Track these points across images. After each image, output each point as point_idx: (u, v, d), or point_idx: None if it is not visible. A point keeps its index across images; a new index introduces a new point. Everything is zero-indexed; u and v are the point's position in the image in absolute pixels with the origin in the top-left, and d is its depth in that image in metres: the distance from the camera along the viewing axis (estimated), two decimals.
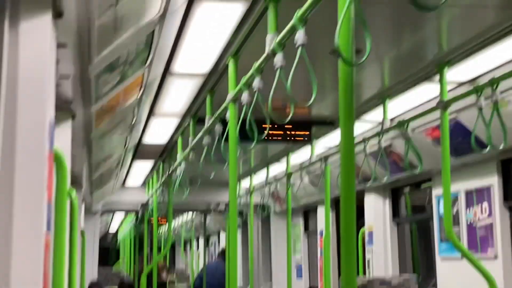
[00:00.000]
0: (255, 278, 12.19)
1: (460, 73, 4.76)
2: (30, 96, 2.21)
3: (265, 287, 12.85)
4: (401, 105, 5.68)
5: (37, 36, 2.28)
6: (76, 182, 7.00)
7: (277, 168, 9.45)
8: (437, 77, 4.62)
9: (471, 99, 4.46)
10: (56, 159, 2.54)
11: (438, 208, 6.72)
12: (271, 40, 3.22)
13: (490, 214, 5.89)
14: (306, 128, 6.35)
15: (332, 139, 7.24)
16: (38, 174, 2.18)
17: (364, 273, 8.26)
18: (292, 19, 2.84)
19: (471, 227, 6.14)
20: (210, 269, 12.26)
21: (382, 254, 8.18)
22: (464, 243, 6.10)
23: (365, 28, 2.17)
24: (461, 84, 4.99)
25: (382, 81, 5.25)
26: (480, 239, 6.00)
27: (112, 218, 20.49)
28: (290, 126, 6.26)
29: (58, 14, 2.43)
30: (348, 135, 2.33)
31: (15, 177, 2.14)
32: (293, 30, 2.90)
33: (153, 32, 3.47)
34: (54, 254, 2.68)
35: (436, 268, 6.84)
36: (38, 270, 2.20)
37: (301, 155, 8.26)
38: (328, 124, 6.58)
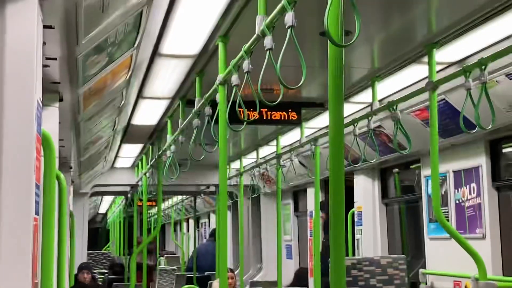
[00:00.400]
0: (245, 259, 12.23)
1: (448, 54, 4.76)
2: (17, 77, 2.19)
3: (255, 268, 12.90)
4: (390, 86, 5.68)
5: (23, 17, 2.26)
6: (64, 164, 6.98)
7: (267, 150, 9.46)
8: (426, 58, 4.63)
9: (460, 80, 4.47)
10: (44, 141, 2.53)
11: (426, 189, 6.75)
12: (260, 22, 3.21)
13: (478, 194, 5.92)
14: (296, 110, 6.34)
15: (322, 121, 7.25)
16: (26, 156, 2.17)
17: (354, 253, 8.31)
18: (282, 0, 2.84)
19: (459, 207, 6.16)
20: (201, 250, 12.30)
21: (371, 234, 8.22)
22: (452, 223, 6.13)
23: (354, 9, 2.17)
24: (450, 65, 4.99)
25: (371, 63, 5.25)
26: (468, 219, 6.03)
27: (101, 199, 20.48)
28: (280, 108, 6.26)
29: None
30: (337, 117, 2.33)
31: (2, 159, 2.13)
32: (282, 11, 2.89)
33: (141, 13, 3.45)
34: (43, 237, 2.67)
35: (425, 248, 6.88)
36: (26, 254, 2.19)
37: (291, 137, 8.27)
38: (317, 105, 6.58)
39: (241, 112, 3.57)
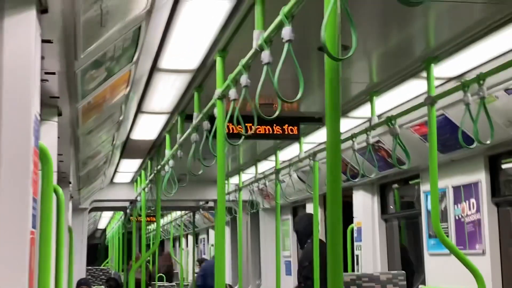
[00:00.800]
0: (244, 275, 12.18)
1: (447, 69, 4.77)
2: (15, 91, 2.19)
3: (254, 285, 12.85)
4: (389, 101, 5.68)
5: (22, 31, 2.26)
6: (63, 179, 6.97)
7: (266, 165, 9.46)
8: (425, 73, 4.63)
9: (459, 95, 4.47)
10: (41, 155, 2.53)
11: (426, 204, 6.74)
12: (258, 36, 3.22)
13: (478, 210, 5.91)
14: (294, 125, 6.34)
15: (320, 136, 7.25)
16: (23, 169, 2.17)
17: (353, 269, 8.28)
18: (279, 15, 2.84)
19: (459, 223, 6.15)
20: (208, 270, 12.16)
21: (370, 250, 8.20)
22: (452, 239, 6.11)
23: (350, 22, 2.17)
24: (448, 80, 5.00)
25: (370, 77, 5.26)
26: (468, 235, 6.02)
27: (100, 215, 20.43)
28: (278, 123, 6.26)
29: (43, 10, 2.42)
30: (334, 130, 2.33)
31: None
32: (280, 26, 2.89)
33: (139, 28, 3.45)
34: (40, 252, 2.66)
35: (425, 264, 6.86)
36: (23, 268, 2.18)
37: (290, 152, 8.27)
38: (316, 120, 6.58)
39: (239, 127, 3.57)
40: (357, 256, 8.37)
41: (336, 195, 2.27)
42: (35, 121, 2.29)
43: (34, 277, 2.58)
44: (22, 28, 2.26)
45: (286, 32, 2.79)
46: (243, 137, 3.88)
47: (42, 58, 2.88)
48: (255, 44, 3.23)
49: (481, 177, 5.86)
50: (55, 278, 3.94)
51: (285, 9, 2.79)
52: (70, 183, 7.54)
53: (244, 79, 3.50)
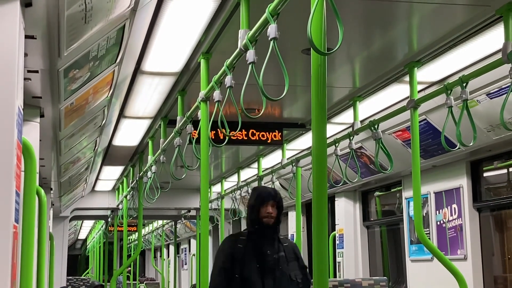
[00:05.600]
0: None
1: (430, 73, 4.80)
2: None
3: None
4: (372, 106, 5.71)
5: (5, 24, 2.24)
6: (44, 185, 6.91)
7: (249, 173, 9.45)
8: (407, 77, 4.65)
9: (441, 99, 4.49)
10: (25, 150, 2.50)
11: (408, 210, 6.76)
12: (243, 36, 3.22)
13: (459, 216, 5.93)
14: (278, 130, 6.35)
15: (303, 142, 7.26)
16: (7, 162, 2.14)
17: (335, 275, 8.27)
18: (264, 13, 2.85)
19: (440, 229, 6.18)
20: None
21: (352, 257, 8.21)
22: (434, 244, 6.13)
23: (336, 15, 2.18)
24: (431, 85, 5.03)
25: (353, 82, 5.27)
26: (449, 240, 6.04)
27: (81, 225, 20.29)
28: (262, 129, 6.27)
29: (27, 3, 2.40)
30: (320, 132, 2.32)
31: None
32: (265, 25, 2.90)
33: (123, 27, 3.44)
34: (22, 249, 2.62)
35: (406, 270, 6.87)
36: (5, 262, 2.15)
37: (272, 159, 8.27)
38: (299, 126, 6.59)
39: (223, 129, 3.56)
40: (339, 263, 8.37)
41: (321, 199, 2.27)
42: (18, 114, 2.27)
43: (17, 273, 2.55)
44: (6, 21, 2.24)
45: (271, 30, 2.79)
46: (227, 138, 3.88)
47: (25, 55, 2.85)
48: (240, 44, 3.24)
49: (463, 183, 5.89)
50: (36, 280, 3.89)
51: (270, 7, 2.80)
52: (51, 189, 7.48)
53: (228, 80, 3.50)
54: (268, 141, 6.35)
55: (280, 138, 6.38)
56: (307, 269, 4.03)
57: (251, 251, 3.85)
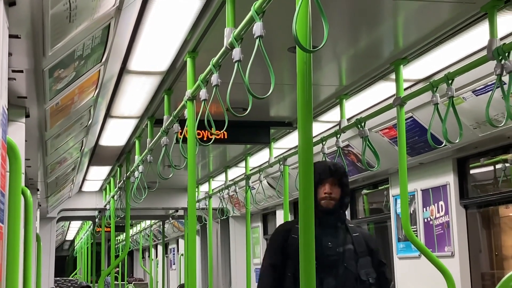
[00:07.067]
0: (214, 283, 12.12)
1: (416, 71, 4.81)
2: None
3: None
4: (358, 104, 5.72)
5: None
6: (31, 185, 6.87)
7: (236, 172, 9.44)
8: (394, 75, 4.66)
9: (427, 97, 4.50)
10: (9, 150, 2.48)
11: (395, 208, 6.77)
12: (229, 34, 3.21)
13: (446, 213, 5.95)
14: (265, 129, 6.35)
15: (290, 141, 7.26)
16: None
17: None
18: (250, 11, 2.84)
19: (428, 226, 6.19)
20: None
21: None
22: (421, 242, 6.14)
23: (322, 14, 2.17)
24: (417, 82, 5.04)
25: (339, 80, 5.28)
26: (437, 237, 6.06)
27: (68, 226, 20.22)
28: (249, 128, 6.26)
29: (11, 2, 2.38)
30: (306, 130, 2.32)
31: None
32: (251, 23, 2.89)
33: (108, 26, 3.43)
34: (8, 249, 2.60)
35: (394, 268, 6.89)
36: None
37: (260, 158, 8.27)
38: (286, 125, 6.60)
39: (210, 128, 3.55)
40: None
41: (308, 198, 2.27)
42: (3, 114, 2.25)
43: (2, 275, 2.53)
44: None
45: (257, 28, 2.79)
46: (214, 137, 3.87)
47: (10, 54, 2.84)
48: (226, 42, 3.23)
49: (450, 180, 5.91)
50: (23, 282, 3.87)
51: (256, 4, 2.80)
52: (38, 190, 7.45)
53: (214, 78, 3.49)
54: (255, 140, 6.35)
55: (267, 137, 6.38)
56: (385, 266, 3.37)
57: None
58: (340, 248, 3.15)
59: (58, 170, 7.20)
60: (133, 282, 18.99)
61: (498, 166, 5.58)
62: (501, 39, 3.60)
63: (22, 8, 2.47)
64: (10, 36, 2.61)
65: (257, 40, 2.77)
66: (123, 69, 4.61)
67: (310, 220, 2.25)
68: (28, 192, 3.59)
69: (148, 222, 17.96)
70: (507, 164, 5.46)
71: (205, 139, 5.88)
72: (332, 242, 3.14)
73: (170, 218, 14.13)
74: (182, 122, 4.64)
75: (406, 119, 4.79)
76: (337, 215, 3.22)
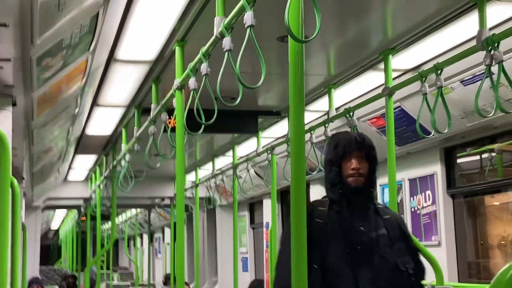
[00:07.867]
0: (201, 272, 12.13)
1: (405, 61, 4.81)
2: None
3: (211, 282, 12.80)
4: (347, 94, 5.71)
5: None
6: (16, 174, 6.83)
7: (224, 161, 9.43)
8: (382, 65, 4.66)
9: (415, 87, 4.50)
10: None
11: (383, 197, 6.79)
12: (219, 23, 3.19)
13: (433, 202, 5.98)
14: (253, 118, 6.34)
15: (278, 130, 7.25)
16: None
17: None
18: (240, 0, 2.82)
19: (415, 215, 6.22)
20: None
21: None
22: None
23: (314, 4, 2.16)
24: (405, 72, 5.04)
25: (327, 70, 5.27)
26: (424, 227, 6.09)
27: (53, 214, 20.14)
28: (237, 116, 6.24)
29: None
30: (298, 119, 2.30)
31: None
32: (241, 12, 2.87)
33: (97, 15, 3.39)
34: None
35: None
36: None
37: (247, 147, 8.26)
38: (274, 114, 6.59)
39: (199, 116, 3.53)
40: None
41: (300, 187, 2.25)
42: None
43: None
44: None
45: (248, 17, 2.76)
46: (203, 126, 3.84)
47: None
48: (216, 31, 3.20)
49: (437, 169, 5.94)
50: (10, 274, 3.84)
51: None
52: (23, 178, 7.40)
53: (204, 68, 3.47)
54: (243, 129, 6.34)
55: (255, 126, 6.37)
56: (419, 254, 2.89)
57: (336, 228, 2.65)
58: (373, 232, 2.69)
59: (44, 159, 7.16)
60: (118, 271, 18.94)
61: (485, 155, 5.61)
62: (491, 29, 3.59)
63: None
64: None
65: (248, 30, 2.75)
66: (111, 58, 4.58)
67: (302, 213, 2.24)
68: (15, 181, 3.56)
69: (133, 211, 17.92)
70: (493, 154, 5.49)
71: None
72: (364, 226, 2.70)
73: (156, 207, 14.10)
74: (170, 111, 4.62)
75: (394, 109, 4.79)
76: (367, 194, 2.82)
